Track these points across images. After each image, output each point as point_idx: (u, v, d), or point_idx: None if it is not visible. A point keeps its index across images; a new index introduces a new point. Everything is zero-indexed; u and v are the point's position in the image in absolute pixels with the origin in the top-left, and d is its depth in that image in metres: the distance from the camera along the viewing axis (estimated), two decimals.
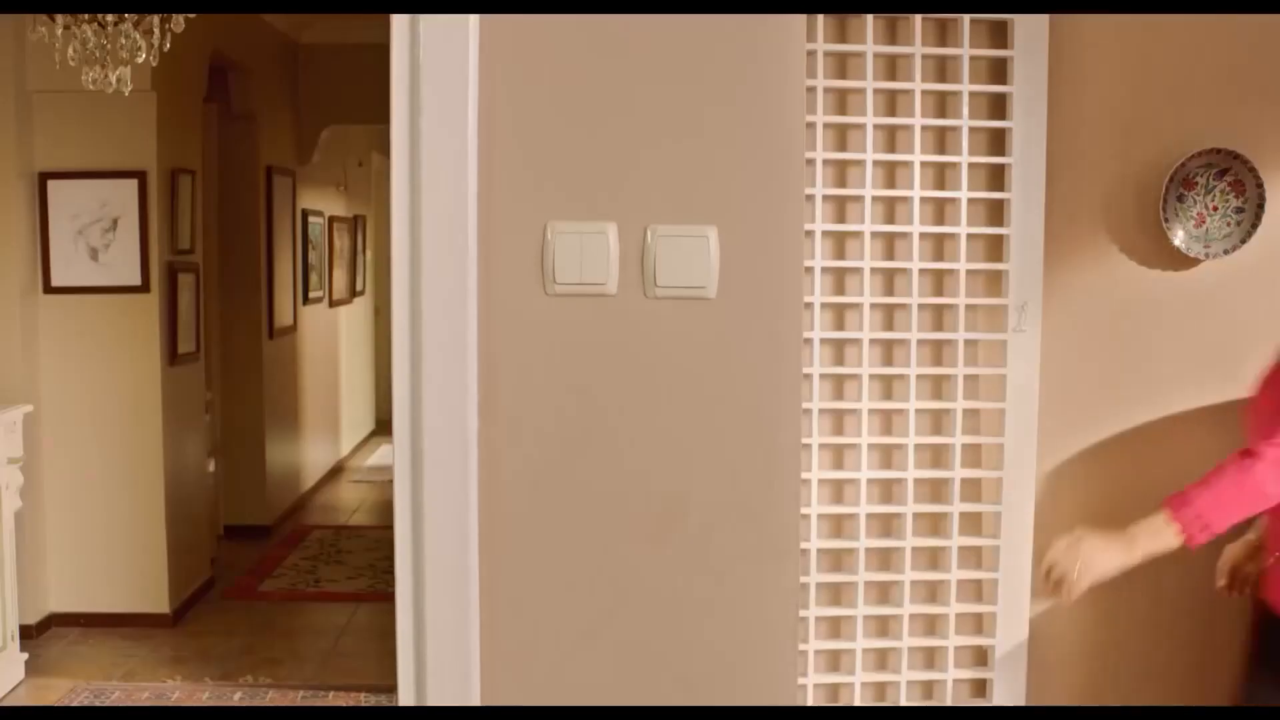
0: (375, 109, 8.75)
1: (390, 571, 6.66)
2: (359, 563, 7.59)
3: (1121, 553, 2.81)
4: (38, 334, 6.13)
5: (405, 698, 1.92)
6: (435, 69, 1.85)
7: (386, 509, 9.16)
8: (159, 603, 6.33)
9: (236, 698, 5.33)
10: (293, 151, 8.80)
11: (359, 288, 11.61)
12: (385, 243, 11.31)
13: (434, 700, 1.86)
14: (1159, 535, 2.84)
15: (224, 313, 7.86)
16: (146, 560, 6.30)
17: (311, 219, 9.44)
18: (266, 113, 8.15)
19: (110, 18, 3.84)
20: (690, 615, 1.91)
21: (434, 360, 1.84)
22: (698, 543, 1.90)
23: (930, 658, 3.59)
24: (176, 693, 5.39)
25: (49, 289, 6.15)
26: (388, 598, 6.76)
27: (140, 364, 6.22)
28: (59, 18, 3.86)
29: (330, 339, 10.27)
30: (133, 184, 6.11)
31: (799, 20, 1.89)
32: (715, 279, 1.87)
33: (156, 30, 3.98)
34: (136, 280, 6.16)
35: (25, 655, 5.51)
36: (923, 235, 3.40)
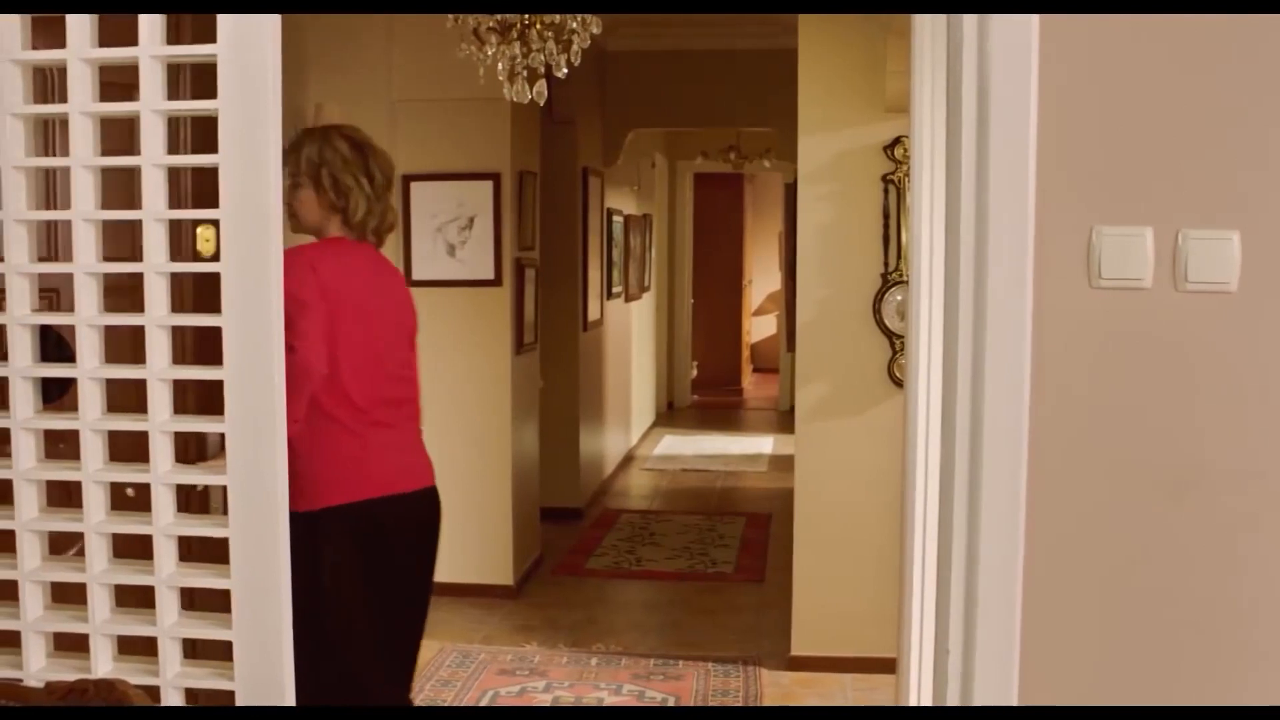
0: (677, 112, 9.11)
1: (706, 554, 7.04)
2: (674, 545, 7.98)
3: None
4: None
5: (946, 691, 2.22)
6: (1003, 71, 2.12)
7: (681, 496, 9.58)
8: (504, 575, 6.82)
9: (593, 664, 5.74)
10: (600, 154, 9.25)
11: (646, 283, 12.07)
12: (669, 240, 11.65)
13: (980, 670, 2.15)
14: None
15: (545, 305, 8.33)
16: (494, 535, 6.79)
17: (614, 218, 9.91)
18: (581, 117, 8.60)
19: (534, 35, 4.25)
20: (1202, 566, 2.18)
21: (996, 340, 2.13)
22: (1214, 506, 2.17)
23: None
24: (537, 656, 5.83)
25: (410, 283, 6.65)
26: (709, 578, 7.16)
27: (492, 352, 6.72)
28: (492, 38, 4.29)
29: (625, 333, 10.74)
30: (488, 185, 6.59)
31: None
32: (1236, 275, 2.14)
33: (575, 43, 4.38)
34: (490, 274, 6.65)
35: None
36: None
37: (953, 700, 2.25)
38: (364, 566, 3.48)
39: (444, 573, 6.68)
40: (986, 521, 2.16)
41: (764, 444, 11.75)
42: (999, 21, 2.13)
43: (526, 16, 4.31)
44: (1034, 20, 2.12)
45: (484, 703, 5.29)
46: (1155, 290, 2.16)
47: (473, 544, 6.76)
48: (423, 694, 5.34)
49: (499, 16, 4.30)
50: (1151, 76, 2.14)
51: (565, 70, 4.52)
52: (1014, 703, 2.19)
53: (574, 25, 4.39)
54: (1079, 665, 2.21)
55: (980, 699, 2.22)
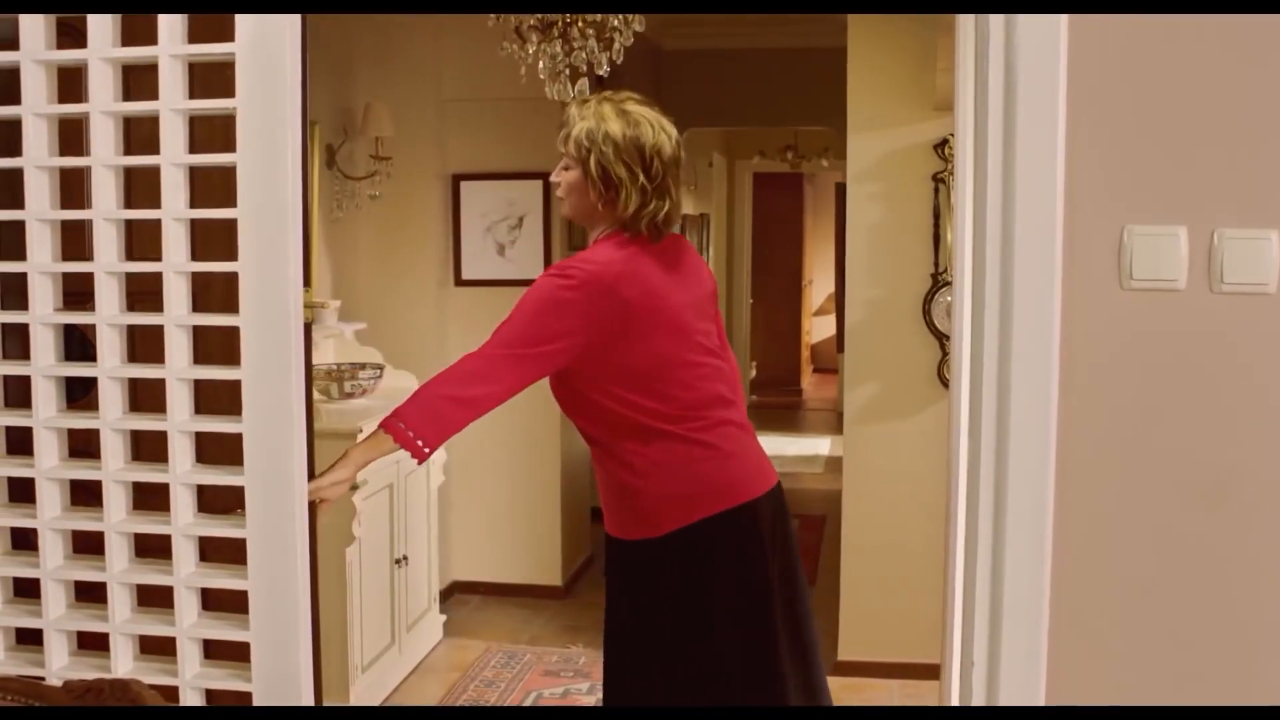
0: (733, 111, 8.98)
1: None
2: None
3: (341, 470, 2.73)
4: (447, 324, 6.66)
5: (977, 687, 2.18)
6: (1029, 70, 2.07)
7: None
8: (552, 576, 6.79)
9: None
10: None
11: None
12: (727, 240, 11.47)
13: (1006, 662, 2.10)
14: (375, 443, 2.86)
15: None
16: (542, 536, 6.77)
17: None
18: None
19: (575, 33, 4.23)
20: (1237, 573, 2.12)
21: (1023, 342, 2.08)
22: (1247, 511, 2.10)
23: None
24: (582, 658, 5.81)
25: (459, 282, 6.67)
26: None
27: None
28: (533, 36, 4.27)
29: None
30: (537, 185, 6.56)
31: None
32: (1275, 276, 2.07)
33: (618, 41, 4.36)
34: (540, 274, 6.60)
35: (444, 617, 6.03)
36: None
37: None
38: (711, 585, 3.13)
39: (492, 572, 6.76)
40: (1012, 528, 2.10)
41: (821, 445, 11.67)
42: (1026, 21, 2.08)
43: (568, 14, 4.28)
44: (1062, 20, 2.07)
45: (527, 703, 5.28)
46: (1189, 292, 2.10)
47: (521, 544, 6.76)
48: (466, 694, 5.33)
49: (540, 14, 4.28)
50: (1184, 75, 2.08)
51: (607, 68, 4.49)
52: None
53: (615, 23, 4.36)
54: (1105, 678, 2.15)
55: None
